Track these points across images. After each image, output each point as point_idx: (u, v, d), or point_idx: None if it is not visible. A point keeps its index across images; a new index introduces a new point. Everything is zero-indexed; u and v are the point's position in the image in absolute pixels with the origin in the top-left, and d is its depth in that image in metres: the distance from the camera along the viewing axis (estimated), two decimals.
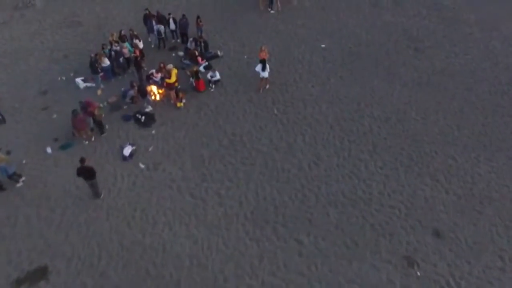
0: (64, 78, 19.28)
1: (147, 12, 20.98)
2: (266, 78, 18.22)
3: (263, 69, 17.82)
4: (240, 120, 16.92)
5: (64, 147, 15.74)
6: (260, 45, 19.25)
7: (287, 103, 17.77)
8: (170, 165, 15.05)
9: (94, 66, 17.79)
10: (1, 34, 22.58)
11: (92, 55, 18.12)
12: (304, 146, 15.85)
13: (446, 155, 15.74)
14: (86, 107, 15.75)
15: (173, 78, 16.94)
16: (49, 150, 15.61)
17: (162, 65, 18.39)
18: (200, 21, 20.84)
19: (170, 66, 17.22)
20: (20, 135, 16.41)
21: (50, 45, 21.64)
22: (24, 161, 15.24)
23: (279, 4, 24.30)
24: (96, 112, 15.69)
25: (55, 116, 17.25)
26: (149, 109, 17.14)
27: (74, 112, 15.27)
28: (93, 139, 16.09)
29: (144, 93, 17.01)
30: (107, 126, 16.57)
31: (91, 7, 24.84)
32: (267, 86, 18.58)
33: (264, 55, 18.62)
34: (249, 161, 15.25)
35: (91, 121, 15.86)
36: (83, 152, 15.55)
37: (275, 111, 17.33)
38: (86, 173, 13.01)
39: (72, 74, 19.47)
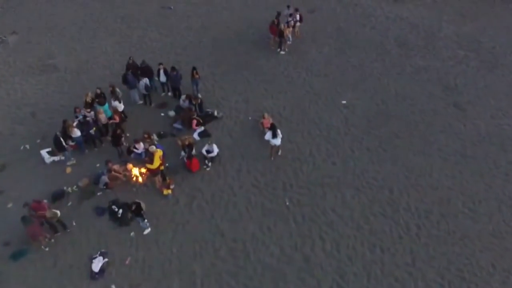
0: (28, 146, 15.78)
1: (131, 61, 17.41)
2: (279, 145, 15.11)
3: (274, 136, 14.58)
4: (243, 216, 13.37)
5: (16, 256, 12.24)
6: (263, 113, 15.97)
7: (302, 189, 14.21)
8: None
9: (59, 143, 14.29)
10: None
11: (58, 132, 14.48)
12: (324, 257, 12.29)
13: (507, 270, 12.17)
14: (34, 211, 12.28)
15: (156, 163, 13.42)
16: None
17: (146, 135, 14.93)
18: (197, 73, 17.25)
19: (152, 148, 13.63)
20: None
21: (17, 97, 18.12)
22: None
23: (289, 42, 20.80)
24: (48, 214, 12.18)
25: (10, 205, 13.75)
26: (147, 229, 13.07)
27: (24, 220, 11.83)
28: (52, 240, 12.59)
29: (139, 211, 12.75)
30: (74, 223, 13.12)
31: (70, 46, 21.29)
32: (279, 152, 15.37)
33: (267, 123, 15.26)
34: (253, 283, 11.69)
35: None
36: (41, 263, 12.13)
37: (287, 202, 13.78)
38: None
39: (38, 141, 15.95)
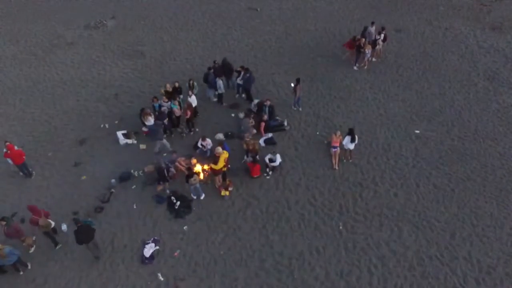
0: (107, 126, 16.97)
1: (216, 65, 17.84)
2: (351, 150, 15.49)
3: (353, 140, 15.06)
4: (295, 232, 13.34)
5: None
6: (335, 130, 15.66)
7: (358, 215, 13.87)
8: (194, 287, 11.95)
9: (162, 174, 14.43)
10: (65, 58, 20.89)
11: (164, 164, 14.61)
12: None
13: None
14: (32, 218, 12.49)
15: (220, 165, 13.80)
16: (64, 227, 13.29)
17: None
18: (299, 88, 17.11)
19: (219, 149, 14.04)
20: (40, 198, 14.29)
21: (106, 78, 19.52)
22: (34, 238, 13.03)
23: (367, 61, 20.25)
24: (40, 222, 12.21)
25: (84, 178, 14.94)
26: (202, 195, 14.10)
27: (5, 220, 12.10)
28: (32, 248, 12.75)
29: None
30: (135, 206, 13.91)
31: (158, 36, 22.48)
32: (351, 159, 15.67)
33: (337, 142, 15.07)
34: None
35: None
36: (100, 237, 13.02)
37: (340, 227, 13.53)
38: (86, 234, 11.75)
39: (116, 122, 17.12)
